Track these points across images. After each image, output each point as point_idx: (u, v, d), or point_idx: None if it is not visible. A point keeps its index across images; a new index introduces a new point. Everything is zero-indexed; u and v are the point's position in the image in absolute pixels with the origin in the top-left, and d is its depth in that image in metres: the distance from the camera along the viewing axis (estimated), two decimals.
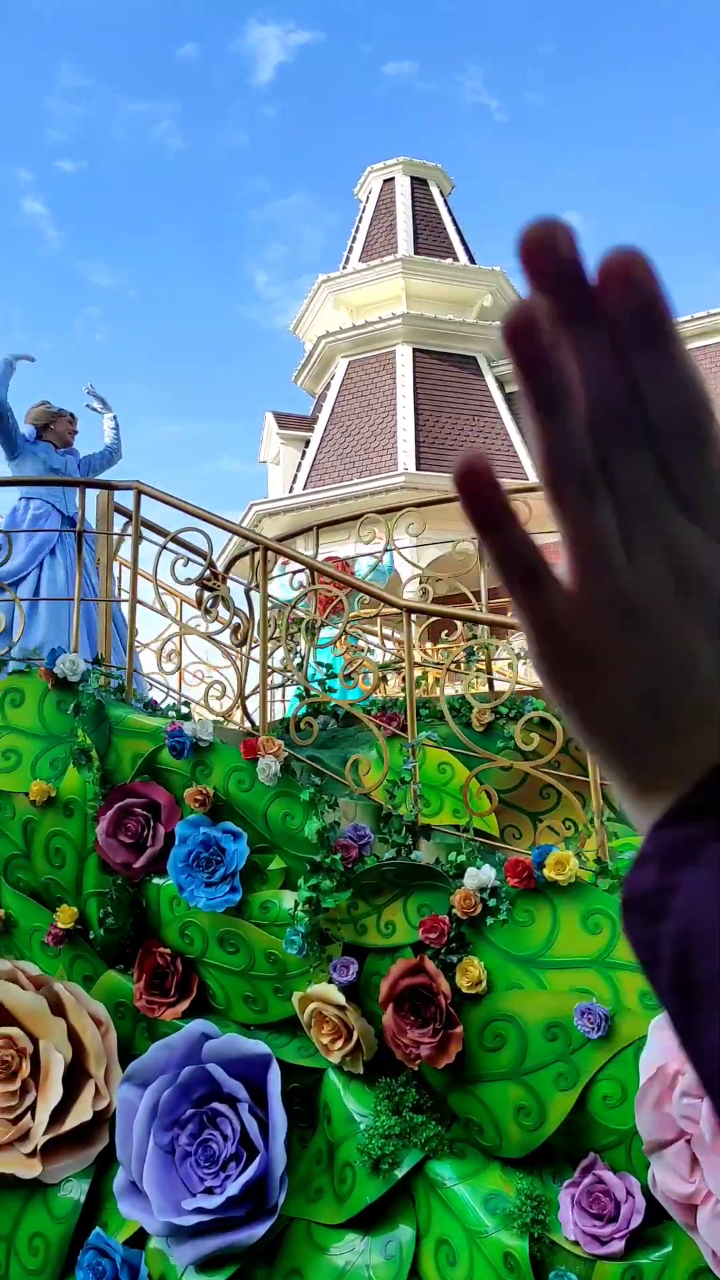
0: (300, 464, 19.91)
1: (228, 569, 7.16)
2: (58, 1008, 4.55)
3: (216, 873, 4.30)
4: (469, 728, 5.38)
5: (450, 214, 21.79)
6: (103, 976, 4.60)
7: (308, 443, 20.01)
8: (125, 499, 5.31)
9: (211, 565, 4.92)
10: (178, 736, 4.44)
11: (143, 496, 5.12)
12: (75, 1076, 4.50)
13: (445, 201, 21.88)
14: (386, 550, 6.82)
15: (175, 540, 5.08)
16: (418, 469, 17.88)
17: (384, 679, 5.99)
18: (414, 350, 19.95)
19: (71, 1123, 4.39)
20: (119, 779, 4.58)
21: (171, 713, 4.76)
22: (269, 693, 4.86)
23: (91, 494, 5.49)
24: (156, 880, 4.49)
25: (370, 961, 4.02)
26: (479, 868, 3.84)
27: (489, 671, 6.55)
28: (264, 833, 4.32)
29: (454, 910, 3.81)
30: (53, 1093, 4.44)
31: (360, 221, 22.00)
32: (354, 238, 21.95)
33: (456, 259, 21.04)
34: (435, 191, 21.91)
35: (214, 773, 4.43)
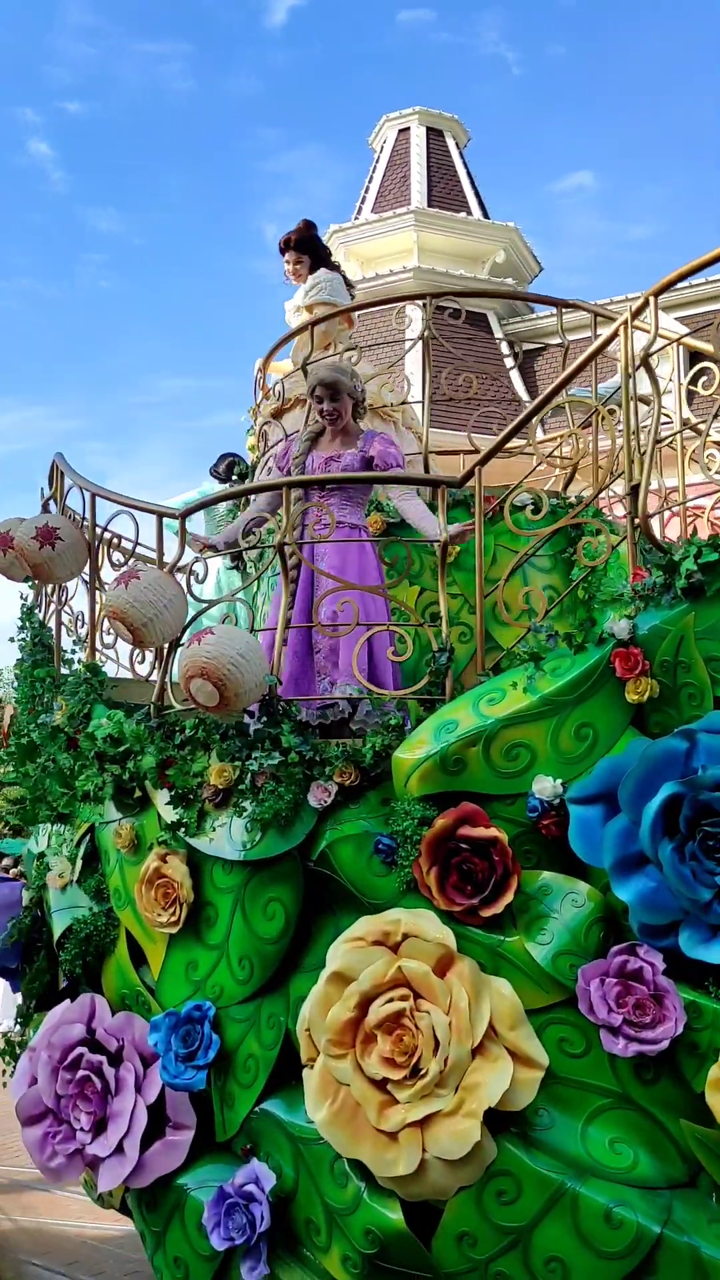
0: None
1: None
2: None
3: None
4: None
5: (465, 167, 21.67)
6: None
7: None
8: None
9: None
10: None
11: None
12: None
13: (461, 154, 21.75)
14: None
15: None
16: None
17: None
18: None
19: None
20: None
21: None
22: None
23: None
24: None
25: None
26: None
27: None
28: None
29: None
30: None
31: (374, 171, 21.83)
32: (367, 188, 21.79)
33: (470, 213, 20.97)
34: (451, 143, 21.76)
35: None
